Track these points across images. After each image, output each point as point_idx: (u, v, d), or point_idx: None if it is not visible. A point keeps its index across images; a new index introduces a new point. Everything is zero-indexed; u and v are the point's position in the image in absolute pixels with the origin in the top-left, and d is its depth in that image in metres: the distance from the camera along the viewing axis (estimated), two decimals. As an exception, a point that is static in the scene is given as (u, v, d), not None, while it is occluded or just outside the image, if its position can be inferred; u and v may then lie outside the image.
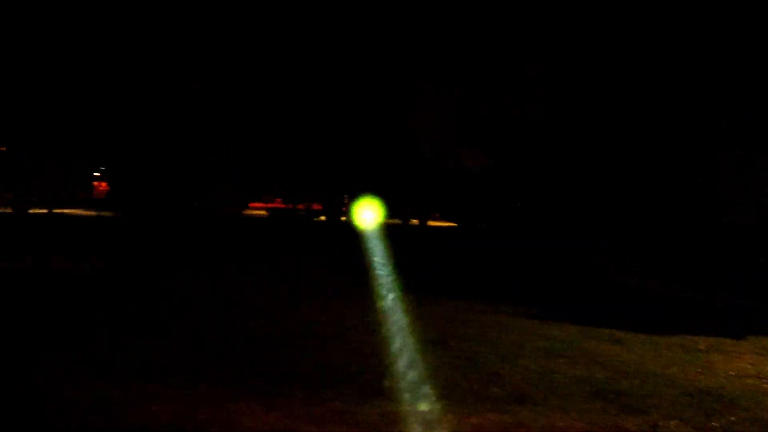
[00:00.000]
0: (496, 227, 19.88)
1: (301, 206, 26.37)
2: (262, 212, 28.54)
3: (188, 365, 5.30)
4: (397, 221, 25.02)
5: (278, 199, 28.86)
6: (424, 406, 4.56)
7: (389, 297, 9.16)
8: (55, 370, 4.97)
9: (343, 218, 24.14)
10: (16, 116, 22.32)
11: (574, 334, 7.26)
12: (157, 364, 5.31)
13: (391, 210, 23.91)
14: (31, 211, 26.73)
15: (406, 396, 4.75)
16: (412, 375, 5.28)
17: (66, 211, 30.64)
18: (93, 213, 30.47)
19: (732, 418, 4.59)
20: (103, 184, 39.41)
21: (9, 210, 27.66)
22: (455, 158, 18.70)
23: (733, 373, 5.82)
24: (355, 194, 22.22)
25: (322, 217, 25.26)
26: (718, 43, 15.17)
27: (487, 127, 17.40)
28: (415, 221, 25.60)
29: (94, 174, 36.42)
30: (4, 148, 25.43)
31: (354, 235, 20.35)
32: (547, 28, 15.96)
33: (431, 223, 26.01)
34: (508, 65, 16.27)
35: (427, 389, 4.91)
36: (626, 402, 4.85)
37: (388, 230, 23.25)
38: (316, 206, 25.95)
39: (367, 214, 18.81)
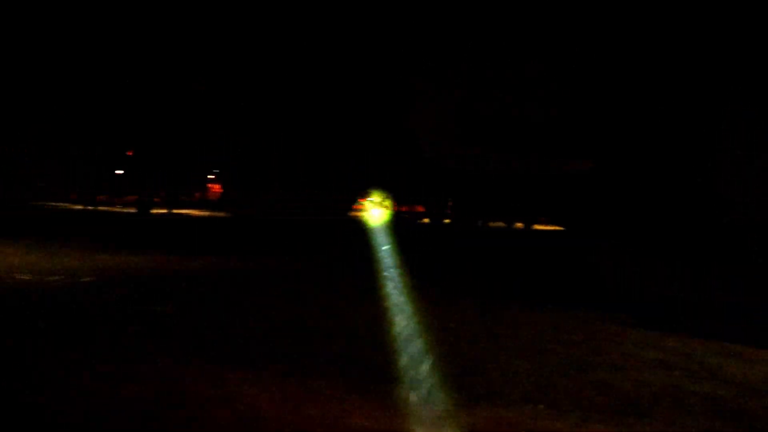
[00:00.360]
0: (604, 229, 19.29)
1: (405, 208, 26.64)
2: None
3: (287, 356, 5.47)
4: (500, 224, 24.74)
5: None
6: (530, 413, 4.46)
7: (485, 301, 9.05)
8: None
9: (446, 220, 24.10)
10: (142, 122, 23.82)
11: (692, 346, 6.85)
12: (256, 355, 5.52)
13: (497, 213, 23.64)
14: (153, 211, 28.59)
15: (512, 402, 4.66)
16: (514, 380, 5.19)
17: (183, 211, 32.54)
18: (207, 213, 32.16)
19: None
20: (216, 186, 41.48)
21: (134, 210, 29.76)
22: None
23: None
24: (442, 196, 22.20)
25: (426, 219, 25.40)
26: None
27: (589, 132, 17.11)
28: (519, 225, 25.20)
29: (209, 177, 38.45)
30: (131, 153, 27.28)
31: (457, 236, 20.27)
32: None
33: (537, 226, 25.48)
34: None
35: (532, 395, 4.81)
36: (754, 423, 4.53)
37: (492, 233, 23.04)
38: (419, 209, 26.12)
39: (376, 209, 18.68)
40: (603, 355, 6.20)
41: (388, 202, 21.46)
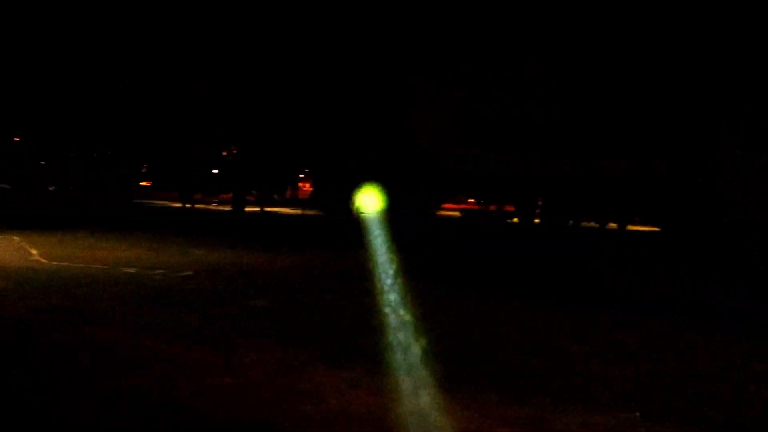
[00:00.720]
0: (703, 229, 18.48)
1: (493, 207, 26.27)
2: (455, 213, 28.85)
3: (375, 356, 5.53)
4: (594, 225, 23.99)
5: (471, 200, 29.06)
6: (625, 420, 4.30)
7: (584, 305, 8.82)
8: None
9: (537, 220, 23.60)
10: (239, 124, 24.64)
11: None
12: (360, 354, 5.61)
13: (589, 213, 22.93)
14: (246, 209, 29.61)
15: (605, 407, 4.52)
16: (605, 385, 5.02)
17: (275, 209, 33.50)
18: (298, 211, 32.97)
19: None
20: (307, 184, 42.38)
21: (228, 208, 30.96)
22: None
23: None
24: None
25: (515, 219, 24.96)
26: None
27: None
28: (613, 225, 24.37)
29: (300, 175, 39.37)
30: (235, 151, 28.28)
31: (548, 239, 19.83)
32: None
33: (631, 227, 24.55)
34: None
35: (626, 402, 4.64)
36: None
37: (583, 234, 22.38)
38: (508, 208, 25.70)
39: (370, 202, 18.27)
40: (699, 363, 5.90)
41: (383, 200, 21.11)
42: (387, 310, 7.84)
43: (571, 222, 23.45)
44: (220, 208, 34.39)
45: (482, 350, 6.03)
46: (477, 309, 8.13)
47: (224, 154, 30.73)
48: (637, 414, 4.41)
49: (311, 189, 35.95)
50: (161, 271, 10.34)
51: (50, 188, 32.06)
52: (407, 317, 7.40)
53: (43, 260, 11.34)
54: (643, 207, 22.80)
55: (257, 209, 30.82)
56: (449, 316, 7.61)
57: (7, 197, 29.95)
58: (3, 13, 22.39)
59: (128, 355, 5.33)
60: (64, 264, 10.84)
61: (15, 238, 15.02)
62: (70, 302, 7.40)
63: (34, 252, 12.50)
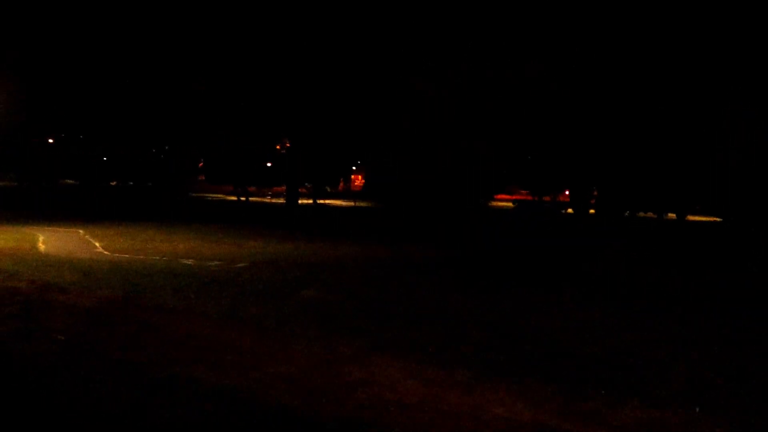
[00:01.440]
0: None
1: (547, 198, 25.78)
2: (508, 204, 28.52)
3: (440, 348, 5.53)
4: (651, 215, 23.34)
5: (525, 191, 28.65)
6: (684, 416, 4.19)
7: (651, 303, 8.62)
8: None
9: (592, 211, 23.12)
10: (291, 118, 25.02)
11: None
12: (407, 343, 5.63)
13: (647, 203, 22.31)
14: (299, 201, 30.02)
15: (663, 401, 4.41)
16: (663, 377, 4.90)
17: (328, 201, 33.82)
18: (351, 203, 33.22)
19: None
20: (359, 176, 42.60)
21: (282, 201, 31.46)
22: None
23: None
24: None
25: (570, 210, 24.50)
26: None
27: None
28: (671, 215, 23.66)
29: (352, 168, 39.61)
30: (288, 144, 28.71)
31: (605, 231, 19.38)
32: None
33: (691, 217, 23.78)
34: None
35: (685, 395, 4.52)
36: None
37: (640, 226, 21.81)
38: (563, 198, 25.24)
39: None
40: (757, 360, 5.69)
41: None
42: (436, 299, 7.84)
43: (627, 212, 22.88)
44: (274, 200, 34.96)
45: (539, 342, 5.96)
46: (527, 302, 8.04)
47: (277, 147, 31.17)
48: (697, 409, 4.29)
49: (363, 181, 36.14)
50: (218, 262, 10.59)
51: (112, 183, 33.23)
52: (458, 307, 7.39)
53: (106, 252, 11.77)
54: (704, 196, 22.10)
55: (310, 201, 31.20)
56: (501, 307, 7.55)
57: (74, 192, 31.18)
58: (67, 28, 23.63)
59: (185, 344, 5.48)
60: (126, 256, 11.22)
61: (80, 231, 15.64)
62: (132, 292, 7.66)
63: (98, 244, 12.98)
